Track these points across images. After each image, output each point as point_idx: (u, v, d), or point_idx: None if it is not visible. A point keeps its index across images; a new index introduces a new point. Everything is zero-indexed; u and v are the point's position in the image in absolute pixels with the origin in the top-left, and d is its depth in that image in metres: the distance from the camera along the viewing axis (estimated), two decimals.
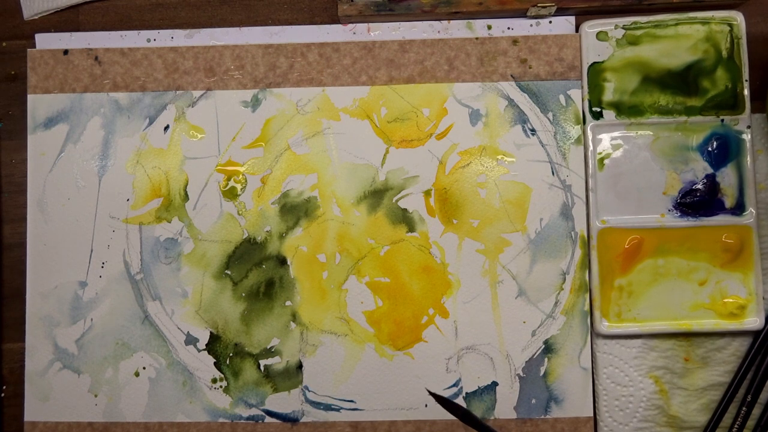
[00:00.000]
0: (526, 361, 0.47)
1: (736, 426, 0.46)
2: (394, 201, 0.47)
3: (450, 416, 0.46)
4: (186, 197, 0.48)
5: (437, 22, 0.48)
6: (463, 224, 0.47)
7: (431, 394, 0.43)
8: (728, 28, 0.46)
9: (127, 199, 0.48)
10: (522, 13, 0.47)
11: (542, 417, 0.46)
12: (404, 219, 0.47)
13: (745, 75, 0.46)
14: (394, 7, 0.47)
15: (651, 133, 0.47)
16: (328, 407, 0.47)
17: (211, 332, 0.47)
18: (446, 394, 0.47)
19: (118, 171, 0.48)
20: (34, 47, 0.49)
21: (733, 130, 0.46)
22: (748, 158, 0.46)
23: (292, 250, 0.47)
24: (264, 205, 0.47)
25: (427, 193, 0.47)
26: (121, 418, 0.47)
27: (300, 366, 0.47)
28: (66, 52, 0.48)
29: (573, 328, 0.46)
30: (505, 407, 0.46)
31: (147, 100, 0.48)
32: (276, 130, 0.48)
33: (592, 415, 0.46)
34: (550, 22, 0.48)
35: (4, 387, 0.48)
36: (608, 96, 0.47)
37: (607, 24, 0.47)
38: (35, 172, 0.48)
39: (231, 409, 0.47)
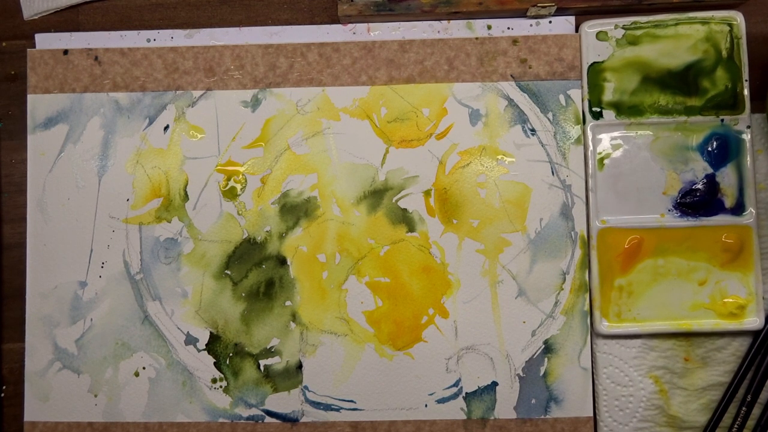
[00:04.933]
0: (526, 361, 0.47)
1: (736, 426, 0.46)
2: (394, 201, 0.47)
3: (450, 416, 0.46)
4: (186, 197, 0.48)
5: (437, 22, 0.48)
6: (463, 224, 0.47)
7: None
8: (728, 28, 0.46)
9: (127, 199, 0.48)
10: (522, 13, 0.47)
11: (542, 417, 0.46)
12: (404, 219, 0.47)
13: (745, 75, 0.46)
14: (394, 7, 0.47)
15: (651, 133, 0.47)
16: (328, 407, 0.47)
17: (211, 332, 0.47)
18: (446, 394, 0.47)
19: (118, 171, 0.48)
20: (34, 47, 0.49)
21: (733, 130, 0.46)
22: (748, 158, 0.46)
23: (292, 250, 0.47)
24: (264, 205, 0.47)
25: (427, 193, 0.47)
26: (120, 418, 0.47)
27: (300, 366, 0.47)
28: (66, 52, 0.48)
29: (573, 328, 0.46)
30: (505, 407, 0.46)
31: (147, 100, 0.48)
32: (276, 130, 0.48)
33: (592, 415, 0.46)
34: (550, 22, 0.48)
35: (4, 387, 0.48)
36: (608, 96, 0.47)
37: (607, 24, 0.47)
38: (35, 172, 0.48)
39: (231, 409, 0.47)
